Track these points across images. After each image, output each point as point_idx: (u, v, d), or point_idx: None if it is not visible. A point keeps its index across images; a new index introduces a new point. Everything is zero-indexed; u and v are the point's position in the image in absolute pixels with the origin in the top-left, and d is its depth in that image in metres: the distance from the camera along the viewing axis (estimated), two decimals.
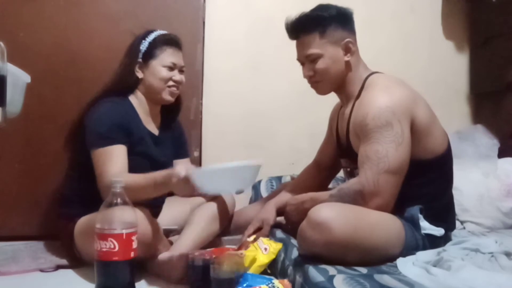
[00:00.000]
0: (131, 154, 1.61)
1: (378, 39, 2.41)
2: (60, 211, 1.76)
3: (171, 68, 1.73)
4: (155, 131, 1.79)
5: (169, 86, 1.74)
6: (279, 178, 2.17)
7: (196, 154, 2.20)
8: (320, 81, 1.58)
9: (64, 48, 2.04)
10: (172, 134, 1.88)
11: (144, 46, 1.73)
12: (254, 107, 2.33)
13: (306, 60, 1.57)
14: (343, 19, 1.56)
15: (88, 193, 1.59)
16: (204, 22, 2.22)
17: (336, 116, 1.71)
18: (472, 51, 2.54)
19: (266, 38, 2.31)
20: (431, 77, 2.48)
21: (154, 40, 1.73)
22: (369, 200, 1.36)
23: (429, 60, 2.51)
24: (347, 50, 1.54)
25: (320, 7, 1.57)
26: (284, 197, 1.77)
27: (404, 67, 2.36)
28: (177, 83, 1.75)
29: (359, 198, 1.37)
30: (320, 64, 1.54)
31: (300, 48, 1.58)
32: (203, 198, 1.77)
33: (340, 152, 1.68)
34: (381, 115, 1.38)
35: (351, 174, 1.58)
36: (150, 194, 1.51)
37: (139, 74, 1.72)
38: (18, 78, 1.35)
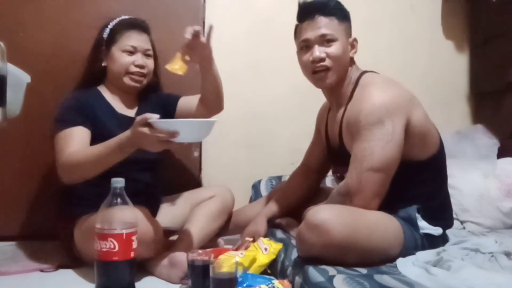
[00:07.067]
0: (101, 138, 1.53)
1: (378, 39, 2.40)
2: (60, 211, 1.76)
3: (132, 52, 1.69)
4: (132, 115, 1.74)
5: (131, 72, 1.68)
6: (279, 178, 2.17)
7: (196, 154, 2.20)
8: (330, 68, 1.50)
9: (64, 48, 2.04)
10: (156, 108, 1.76)
11: (106, 33, 1.72)
12: (254, 107, 2.33)
13: (320, 40, 1.50)
14: (350, 21, 1.58)
15: (87, 193, 1.59)
16: (204, 22, 2.22)
17: (325, 118, 1.69)
18: (472, 51, 2.54)
19: (266, 39, 2.31)
20: (431, 77, 2.48)
21: (115, 25, 1.72)
22: (353, 198, 1.36)
23: (429, 60, 2.50)
24: (353, 46, 1.57)
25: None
26: (274, 207, 1.78)
27: (404, 67, 2.36)
28: (140, 67, 1.69)
29: (346, 198, 1.37)
30: (334, 48, 1.50)
31: (312, 28, 1.50)
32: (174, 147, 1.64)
33: (331, 156, 1.67)
34: (374, 112, 1.37)
35: (341, 179, 1.56)
36: (117, 158, 1.45)
37: (103, 63, 1.71)
38: (18, 78, 1.35)
